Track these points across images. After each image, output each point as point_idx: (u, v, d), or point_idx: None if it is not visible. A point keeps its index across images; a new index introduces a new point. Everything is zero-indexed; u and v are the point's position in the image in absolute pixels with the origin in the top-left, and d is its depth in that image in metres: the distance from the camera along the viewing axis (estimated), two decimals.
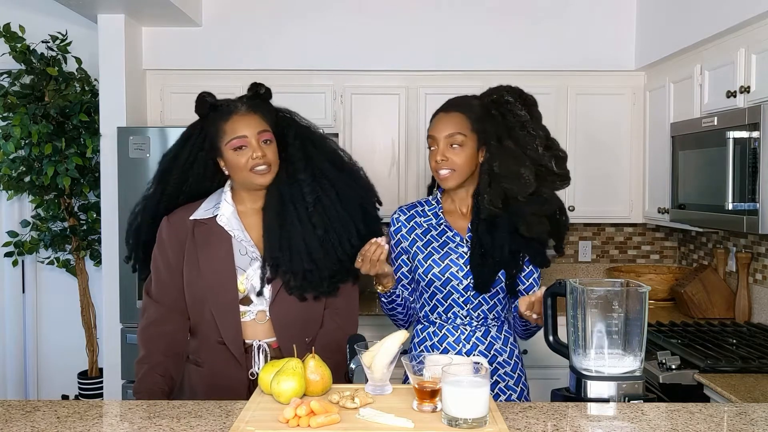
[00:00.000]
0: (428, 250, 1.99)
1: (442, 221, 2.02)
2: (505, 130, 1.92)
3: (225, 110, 1.90)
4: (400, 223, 2.05)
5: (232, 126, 1.87)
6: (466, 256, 1.96)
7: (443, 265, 1.96)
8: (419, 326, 2.05)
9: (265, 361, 1.87)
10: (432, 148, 1.96)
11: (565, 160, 1.98)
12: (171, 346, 1.92)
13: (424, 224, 2.03)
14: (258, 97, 1.95)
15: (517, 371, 2.02)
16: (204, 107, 1.93)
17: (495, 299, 1.98)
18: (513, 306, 2.02)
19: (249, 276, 1.89)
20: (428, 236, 2.01)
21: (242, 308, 1.89)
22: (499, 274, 1.95)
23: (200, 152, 1.94)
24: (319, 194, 1.90)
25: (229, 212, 1.92)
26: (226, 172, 1.93)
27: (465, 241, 1.98)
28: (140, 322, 1.97)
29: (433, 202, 2.07)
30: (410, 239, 2.03)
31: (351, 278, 1.96)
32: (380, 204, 2.05)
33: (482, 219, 1.94)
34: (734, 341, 2.71)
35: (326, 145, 2.01)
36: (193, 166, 1.95)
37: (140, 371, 1.93)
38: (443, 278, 1.96)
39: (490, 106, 1.96)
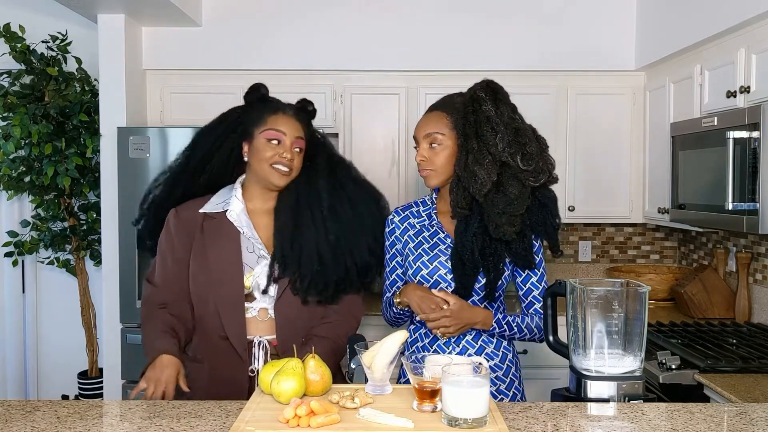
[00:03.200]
0: (418, 251, 1.97)
1: (434, 222, 2.01)
2: (473, 128, 1.88)
3: (274, 105, 1.97)
4: (394, 225, 2.04)
5: (276, 119, 1.93)
6: None
7: (431, 267, 1.95)
8: (412, 326, 2.03)
9: (265, 358, 1.88)
10: (416, 148, 1.97)
11: (534, 156, 1.86)
12: (178, 320, 1.93)
13: (417, 225, 2.02)
14: (304, 111, 2.02)
15: (510, 375, 1.99)
16: (254, 95, 2.00)
17: (484, 303, 1.95)
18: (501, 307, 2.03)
19: (256, 274, 1.90)
20: (420, 237, 1.99)
21: (245, 304, 1.91)
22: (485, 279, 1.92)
23: (232, 134, 1.99)
24: (334, 202, 1.95)
25: (239, 209, 1.95)
26: (246, 159, 1.96)
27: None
28: (142, 308, 1.98)
29: (428, 202, 2.06)
30: (403, 240, 2.01)
31: (354, 289, 1.99)
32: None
33: (458, 221, 1.93)
34: (734, 341, 2.71)
35: (352, 171, 2.08)
36: (222, 145, 2.00)
37: (145, 329, 1.93)
38: (431, 280, 1.94)
39: (467, 103, 1.91)
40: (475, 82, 1.95)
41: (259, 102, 1.98)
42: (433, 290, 1.90)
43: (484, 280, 1.91)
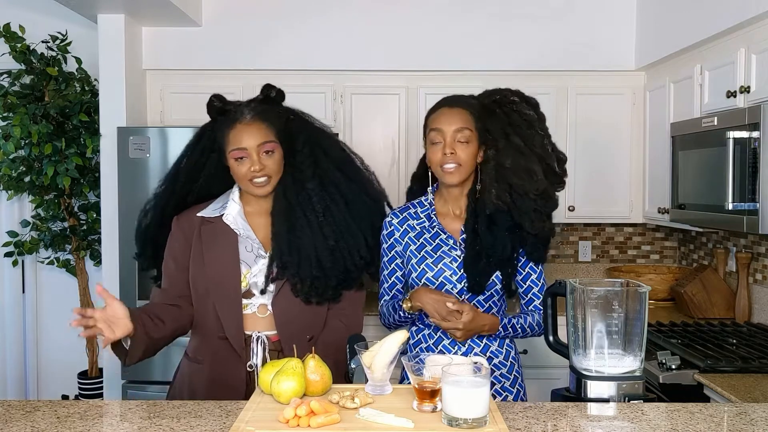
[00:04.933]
0: (421, 254, 1.97)
1: (435, 223, 2.00)
2: (510, 129, 1.93)
3: (231, 117, 1.90)
4: (392, 227, 2.02)
5: (235, 135, 1.87)
6: (460, 260, 1.94)
7: (437, 269, 1.95)
8: (414, 328, 2.03)
9: (264, 353, 1.89)
10: (437, 142, 1.93)
11: (565, 162, 1.99)
12: (172, 313, 1.92)
13: (417, 227, 2.01)
14: (268, 100, 1.96)
15: (514, 372, 2.01)
16: (212, 111, 1.95)
17: (490, 301, 1.97)
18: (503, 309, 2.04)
19: (254, 272, 1.90)
20: (421, 239, 1.99)
21: (244, 301, 1.91)
22: (494, 277, 1.94)
23: (212, 153, 1.96)
24: (327, 203, 1.92)
25: (235, 211, 1.95)
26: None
27: (458, 244, 1.96)
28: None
29: (425, 203, 2.04)
30: (404, 243, 2.00)
31: (355, 286, 1.98)
32: (391, 208, 2.08)
33: (486, 216, 1.92)
34: (734, 341, 2.71)
35: (337, 150, 2.02)
36: (204, 166, 1.98)
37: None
38: (437, 282, 1.95)
39: (493, 106, 1.96)
40: (496, 87, 2.02)
41: (220, 115, 1.94)
42: (448, 303, 1.88)
43: (499, 279, 1.94)
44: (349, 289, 1.97)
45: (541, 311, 1.98)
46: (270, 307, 1.91)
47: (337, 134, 3.65)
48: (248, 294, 1.91)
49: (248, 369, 1.89)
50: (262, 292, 1.90)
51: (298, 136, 1.95)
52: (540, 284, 2.00)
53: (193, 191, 2.00)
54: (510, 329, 1.96)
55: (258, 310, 1.92)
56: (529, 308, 2.01)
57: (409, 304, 1.94)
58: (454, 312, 1.86)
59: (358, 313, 2.03)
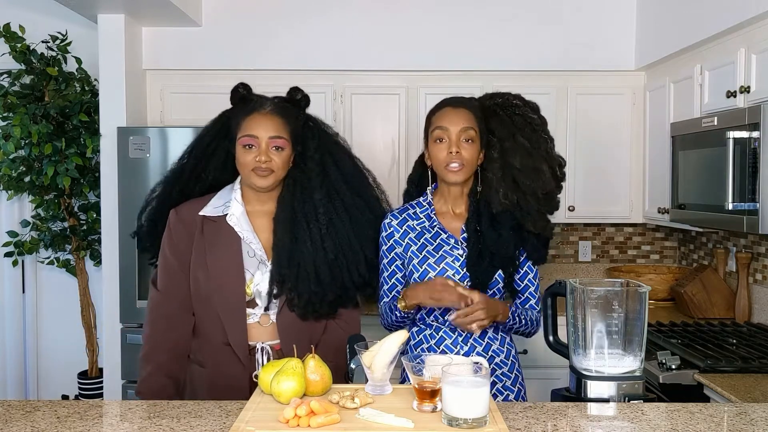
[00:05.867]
0: (423, 254, 1.97)
1: (435, 223, 2.00)
2: (516, 130, 1.95)
3: (251, 105, 1.90)
4: (392, 228, 2.01)
5: (249, 123, 1.87)
6: (462, 259, 1.94)
7: (439, 269, 1.95)
8: (415, 329, 2.02)
9: None
10: (442, 140, 1.93)
11: (564, 166, 2.01)
12: (177, 346, 1.92)
13: (417, 227, 2.00)
14: (291, 101, 1.95)
15: (515, 371, 2.02)
16: (235, 97, 1.95)
17: (501, 297, 1.98)
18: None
19: (257, 281, 1.89)
20: (422, 239, 1.99)
21: (247, 310, 1.89)
22: (497, 276, 1.95)
23: (223, 140, 1.95)
24: (332, 216, 1.90)
25: (239, 212, 1.92)
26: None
27: (459, 243, 1.97)
28: (147, 317, 1.97)
29: (424, 204, 2.04)
30: (404, 244, 2.00)
31: (351, 304, 1.97)
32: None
33: (489, 215, 1.93)
34: (734, 341, 2.71)
35: (348, 164, 2.00)
36: (215, 151, 1.97)
37: (144, 370, 1.91)
38: None
39: (495, 108, 1.98)
40: (495, 92, 2.03)
41: (240, 103, 1.94)
42: (449, 282, 1.84)
43: (501, 277, 1.95)
44: (345, 307, 1.96)
45: (536, 309, 2.02)
46: (272, 317, 1.90)
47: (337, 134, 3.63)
48: (251, 303, 1.90)
49: (254, 379, 1.87)
50: (267, 309, 1.89)
51: (311, 142, 1.95)
52: (535, 284, 2.02)
53: (200, 180, 1.98)
54: (517, 318, 1.96)
55: (260, 320, 1.90)
56: (525, 307, 2.02)
57: (404, 303, 1.93)
58: (465, 297, 1.82)
59: (356, 317, 2.02)
